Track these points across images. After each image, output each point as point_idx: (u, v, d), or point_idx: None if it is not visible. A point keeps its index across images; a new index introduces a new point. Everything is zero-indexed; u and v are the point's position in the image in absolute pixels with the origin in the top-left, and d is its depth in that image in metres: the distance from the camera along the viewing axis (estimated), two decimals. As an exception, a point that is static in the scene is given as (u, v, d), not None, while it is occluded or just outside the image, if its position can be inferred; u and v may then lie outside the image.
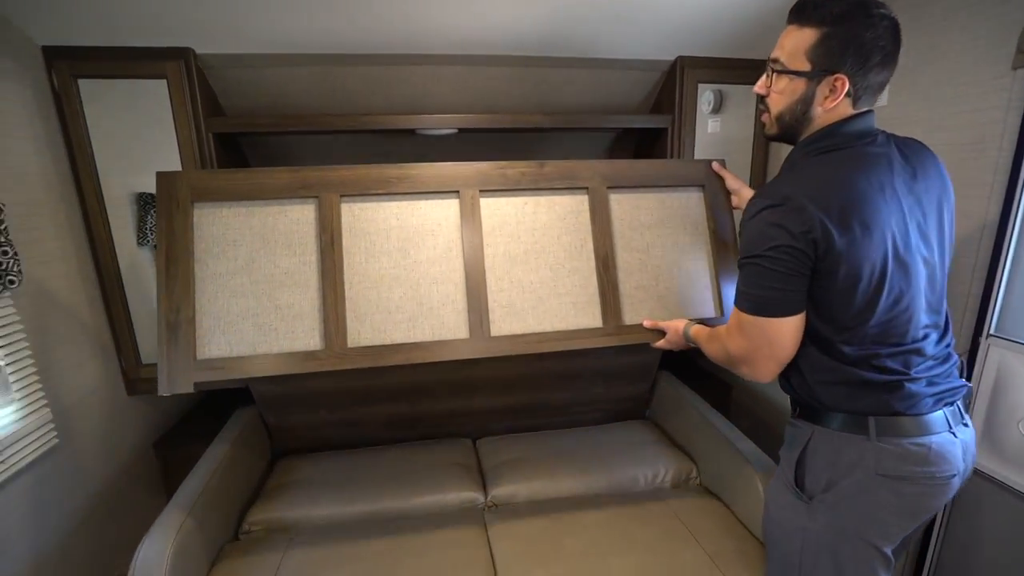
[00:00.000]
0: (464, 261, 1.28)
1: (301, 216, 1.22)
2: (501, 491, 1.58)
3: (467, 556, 1.34)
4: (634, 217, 1.38)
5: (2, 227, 1.19)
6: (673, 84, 1.78)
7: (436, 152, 2.02)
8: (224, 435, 1.63)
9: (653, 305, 1.37)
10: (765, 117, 1.02)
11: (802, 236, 0.85)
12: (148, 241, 1.72)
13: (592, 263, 1.34)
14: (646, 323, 1.34)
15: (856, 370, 0.92)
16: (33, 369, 1.30)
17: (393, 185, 1.25)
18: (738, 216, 1.23)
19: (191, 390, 1.15)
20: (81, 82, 1.48)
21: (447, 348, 1.25)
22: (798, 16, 0.91)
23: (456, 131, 1.76)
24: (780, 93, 0.96)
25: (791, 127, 0.98)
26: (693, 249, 1.41)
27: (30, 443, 1.27)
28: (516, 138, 2.04)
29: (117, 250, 1.61)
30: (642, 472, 1.63)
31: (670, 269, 1.39)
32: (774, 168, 1.89)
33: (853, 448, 0.93)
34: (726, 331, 1.04)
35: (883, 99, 1.35)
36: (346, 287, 1.22)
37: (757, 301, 0.92)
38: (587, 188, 1.35)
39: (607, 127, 1.89)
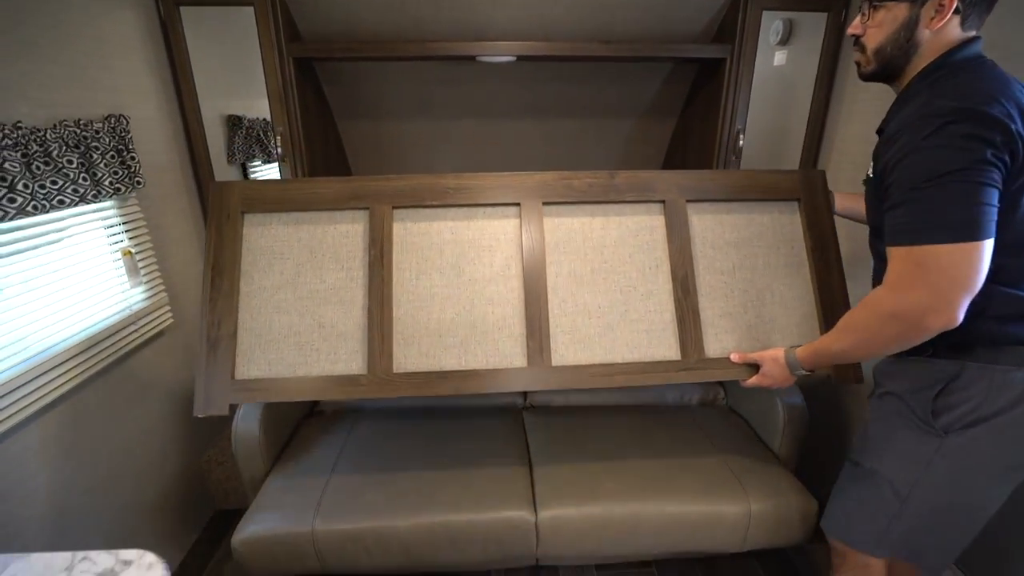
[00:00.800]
0: (523, 280, 1.16)
1: (351, 229, 1.16)
2: (538, 398, 1.77)
3: (505, 443, 1.54)
4: (718, 235, 1.22)
5: (128, 136, 1.40)
6: (736, 10, 1.74)
7: (495, 79, 2.09)
8: None
9: (741, 335, 1.19)
10: (860, 57, 0.98)
11: (1003, 145, 0.78)
12: (236, 159, 1.95)
13: (669, 286, 1.19)
14: (734, 357, 1.17)
15: None
16: (154, 259, 1.56)
17: (449, 196, 1.16)
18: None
19: (226, 412, 1.14)
20: (182, 9, 1.65)
21: (502, 378, 1.13)
22: None
23: (515, 58, 1.82)
24: (879, 26, 0.91)
25: (893, 59, 0.92)
26: (789, 271, 1.23)
27: (154, 319, 1.55)
28: (573, 67, 2.07)
29: (213, 165, 1.84)
30: (671, 392, 1.76)
31: (761, 294, 1.21)
32: (835, 112, 1.82)
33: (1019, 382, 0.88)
34: (890, 288, 0.87)
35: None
36: (394, 306, 1.14)
37: (959, 225, 0.80)
38: (663, 201, 1.20)
39: (664, 56, 1.89)
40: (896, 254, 0.87)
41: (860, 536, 1.05)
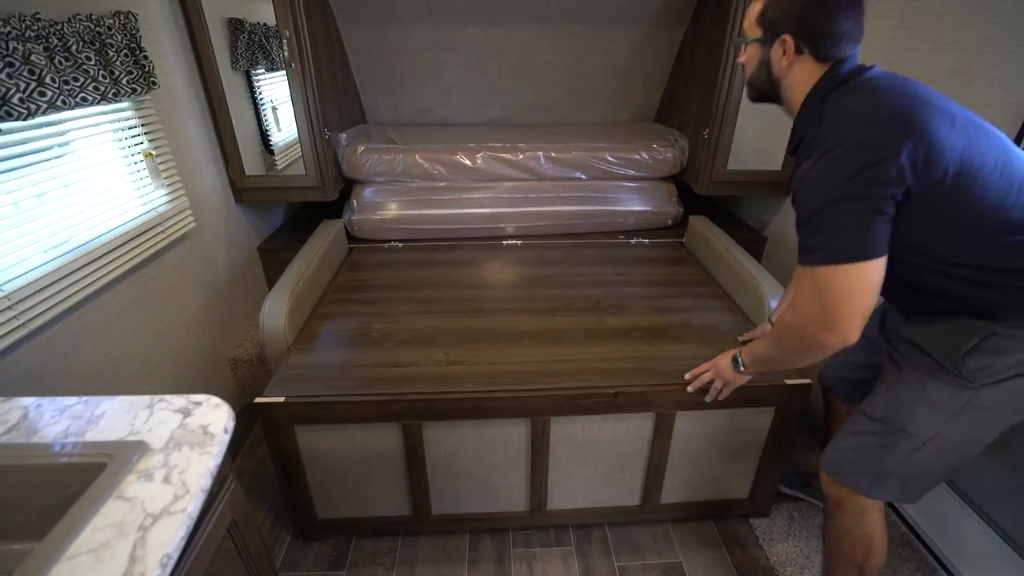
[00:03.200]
0: (529, 463, 1.45)
1: (387, 435, 1.37)
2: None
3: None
4: (697, 430, 1.44)
5: (138, 35, 1.41)
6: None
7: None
8: (314, 238, 1.99)
9: (691, 491, 1.56)
10: (746, 85, 1.10)
11: (888, 163, 0.85)
12: (239, 66, 1.94)
13: (643, 471, 1.49)
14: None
15: None
16: (173, 162, 1.61)
17: (471, 413, 1.35)
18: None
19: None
20: (178, -103, 1.58)
21: (508, 520, 1.57)
22: None
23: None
24: (747, 61, 1.05)
25: (764, 90, 1.05)
26: (743, 455, 1.50)
27: (177, 221, 1.62)
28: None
29: (219, 70, 1.83)
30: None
31: (715, 469, 1.52)
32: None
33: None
34: (793, 306, 0.98)
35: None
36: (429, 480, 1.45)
37: (846, 247, 0.89)
38: (657, 413, 1.40)
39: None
40: (799, 274, 0.97)
41: (863, 480, 1.08)
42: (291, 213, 2.62)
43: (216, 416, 0.81)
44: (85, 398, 0.84)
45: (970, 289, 0.93)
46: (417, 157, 2.16)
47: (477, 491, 1.50)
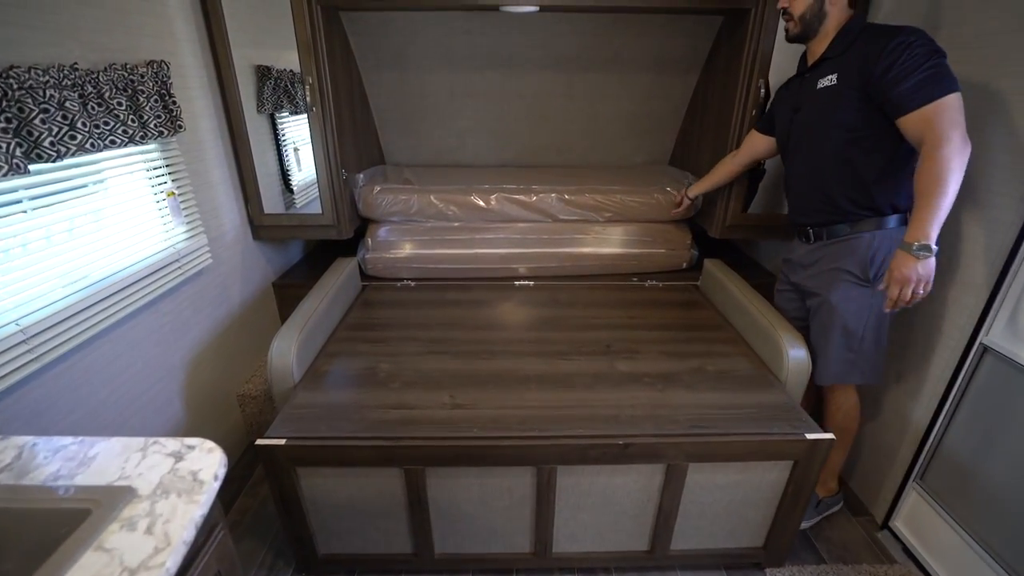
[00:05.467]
0: (534, 510, 1.40)
1: (389, 479, 1.34)
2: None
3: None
4: (709, 479, 1.38)
5: (169, 82, 1.48)
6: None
7: (518, 31, 2.11)
8: (328, 275, 2.02)
9: (703, 538, 1.49)
10: (789, 23, 1.47)
11: None
12: (265, 109, 2.02)
13: (652, 517, 1.44)
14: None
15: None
16: (194, 201, 1.66)
17: (475, 460, 1.31)
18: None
19: None
20: (212, -45, 1.69)
21: (513, 560, 1.51)
22: None
23: (538, 8, 1.83)
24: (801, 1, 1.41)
25: (811, 24, 1.42)
26: (758, 506, 1.44)
27: (194, 258, 1.66)
28: (596, 19, 2.07)
29: (244, 115, 1.91)
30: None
31: (730, 518, 1.46)
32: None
33: (898, 237, 1.34)
34: (939, 134, 1.20)
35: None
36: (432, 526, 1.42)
37: (954, 81, 1.22)
38: (668, 464, 1.34)
39: (687, 8, 1.88)
40: (925, 111, 1.22)
41: (845, 375, 1.55)
42: (308, 249, 2.67)
43: (208, 462, 0.80)
44: (80, 438, 0.84)
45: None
46: (432, 198, 2.20)
47: (481, 533, 1.45)
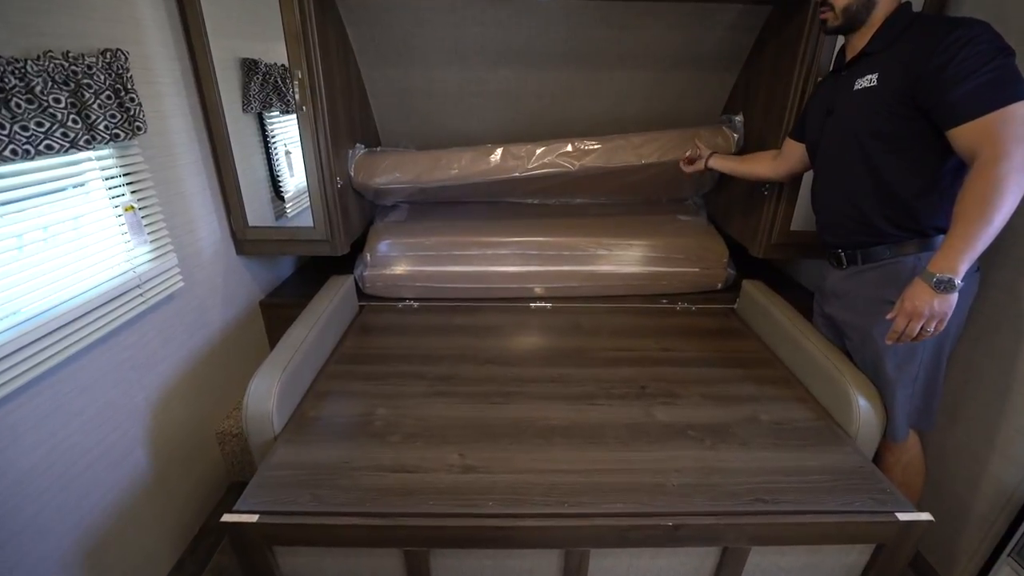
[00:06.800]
0: None
1: (386, 562, 1.10)
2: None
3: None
4: (773, 563, 1.14)
5: (128, 75, 1.24)
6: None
7: (536, 21, 1.86)
8: (320, 296, 1.77)
9: None
10: (827, 14, 1.24)
11: None
12: (251, 108, 1.78)
13: None
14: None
15: None
16: (160, 215, 1.42)
17: (491, 542, 1.07)
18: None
19: None
20: (188, -70, 1.45)
21: None
22: None
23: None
24: None
25: (856, 15, 1.21)
26: None
27: (161, 281, 1.42)
28: (624, 8, 1.82)
29: (226, 114, 1.67)
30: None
31: None
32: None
33: None
34: (998, 150, 0.99)
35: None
36: None
37: (1022, 86, 1.01)
38: (726, 548, 1.10)
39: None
40: (986, 121, 1.01)
41: (916, 422, 1.34)
42: (302, 262, 2.43)
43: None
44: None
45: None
46: (434, 154, 1.97)
47: None
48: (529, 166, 1.97)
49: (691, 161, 1.89)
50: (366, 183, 1.96)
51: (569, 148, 1.97)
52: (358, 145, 2.00)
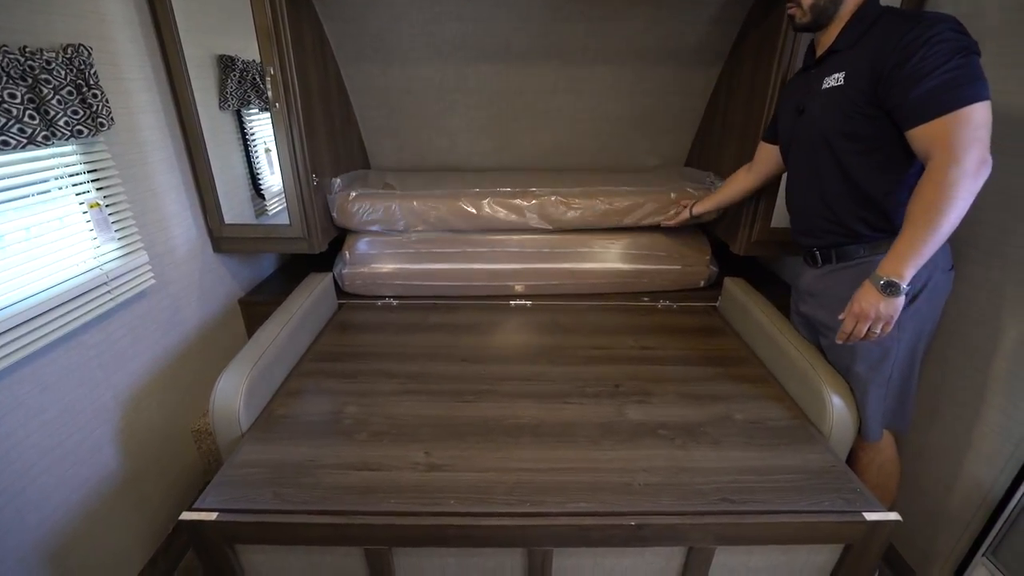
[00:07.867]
0: None
1: (348, 560, 1.10)
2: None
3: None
4: (741, 563, 1.13)
5: (92, 71, 1.23)
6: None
7: (516, 15, 1.84)
8: (297, 293, 1.77)
9: None
10: (795, 10, 1.22)
11: None
12: (229, 105, 1.77)
13: None
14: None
15: None
16: (129, 212, 1.41)
17: (452, 541, 1.07)
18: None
19: None
20: (157, -76, 1.44)
21: None
22: None
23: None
24: None
25: (824, 12, 1.18)
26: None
27: (130, 279, 1.41)
28: (606, 1, 1.80)
29: (200, 111, 1.65)
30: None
31: None
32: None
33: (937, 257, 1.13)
34: (950, 153, 0.98)
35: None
36: None
37: (983, 87, 0.98)
38: (691, 548, 1.09)
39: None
40: (939, 124, 0.99)
41: (890, 423, 1.32)
42: (284, 259, 2.41)
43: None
44: None
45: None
46: (415, 203, 1.94)
47: None
48: (506, 220, 1.98)
49: (674, 214, 1.93)
50: (346, 225, 1.96)
51: (550, 209, 1.97)
52: (335, 180, 1.95)
